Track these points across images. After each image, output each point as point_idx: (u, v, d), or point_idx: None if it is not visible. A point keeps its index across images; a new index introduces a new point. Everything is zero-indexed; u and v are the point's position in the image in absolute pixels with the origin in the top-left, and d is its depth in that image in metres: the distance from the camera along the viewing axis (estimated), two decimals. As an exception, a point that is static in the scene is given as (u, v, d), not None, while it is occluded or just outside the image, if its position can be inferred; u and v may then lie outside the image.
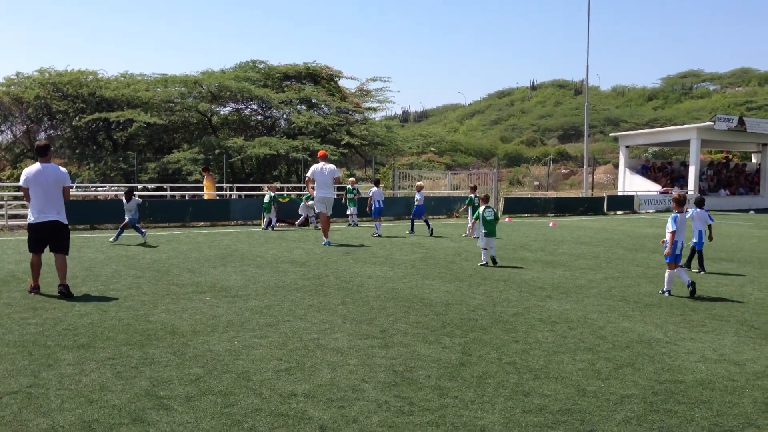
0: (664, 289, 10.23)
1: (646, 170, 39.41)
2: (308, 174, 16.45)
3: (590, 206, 31.05)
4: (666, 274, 10.27)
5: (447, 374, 6.03)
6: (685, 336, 7.55)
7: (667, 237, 10.18)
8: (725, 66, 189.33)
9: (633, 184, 37.06)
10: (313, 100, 34.91)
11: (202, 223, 22.09)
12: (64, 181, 9.43)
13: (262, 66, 36.16)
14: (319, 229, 17.26)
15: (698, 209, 12.94)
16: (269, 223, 20.49)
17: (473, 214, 16.58)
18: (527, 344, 7.11)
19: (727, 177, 40.16)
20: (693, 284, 9.98)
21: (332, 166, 16.63)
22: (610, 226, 23.69)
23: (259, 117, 36.35)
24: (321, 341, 7.08)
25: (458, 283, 10.95)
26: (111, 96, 30.30)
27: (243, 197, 26.68)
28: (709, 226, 12.88)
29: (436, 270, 12.34)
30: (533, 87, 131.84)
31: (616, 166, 43.48)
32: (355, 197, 22.38)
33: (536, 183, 50.48)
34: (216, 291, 9.85)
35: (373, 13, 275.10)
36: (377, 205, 19.51)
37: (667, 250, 10.12)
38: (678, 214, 10.16)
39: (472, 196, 17.96)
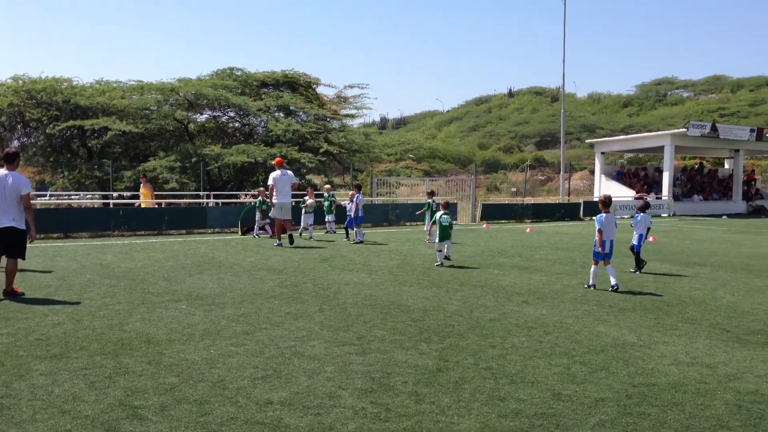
0: (589, 284, 11.11)
1: (621, 176, 39.81)
2: (270, 182, 17.33)
3: (567, 212, 31.31)
4: (591, 269, 11.20)
5: (424, 380, 6.04)
6: (658, 339, 7.64)
7: (596, 236, 11.11)
8: (698, 73, 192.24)
9: (609, 189, 37.35)
10: (291, 108, 34.83)
11: (178, 231, 21.93)
12: (21, 188, 9.67)
13: (239, 73, 36.00)
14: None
15: (642, 213, 13.65)
16: (260, 228, 20.37)
17: (431, 218, 16.94)
18: (504, 349, 7.15)
19: (701, 182, 40.69)
20: (616, 287, 10.78)
21: (290, 173, 17.67)
22: (586, 231, 23.88)
23: (237, 124, 36.19)
24: (298, 348, 7.06)
25: (435, 289, 10.98)
26: (86, 103, 29.98)
27: (220, 205, 26.52)
28: (648, 229, 13.68)
29: (413, 276, 12.36)
30: (510, 94, 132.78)
31: (593, 172, 43.89)
32: (333, 204, 22.26)
33: (513, 189, 50.78)
34: (192, 299, 9.78)
35: (351, 21, 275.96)
36: (360, 213, 19.33)
37: (598, 248, 11.07)
38: (604, 215, 11.11)
39: (430, 201, 18.94)
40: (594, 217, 11.28)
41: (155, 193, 25.63)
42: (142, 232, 21.35)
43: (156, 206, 24.23)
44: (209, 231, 22.32)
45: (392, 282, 11.68)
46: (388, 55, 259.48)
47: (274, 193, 17.06)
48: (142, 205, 24.03)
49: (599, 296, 10.45)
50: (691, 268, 13.97)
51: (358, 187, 20.15)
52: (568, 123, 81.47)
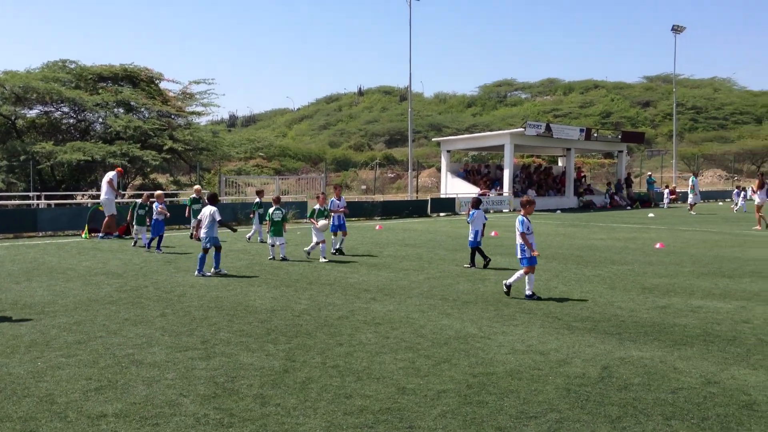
0: (528, 293, 10.17)
1: (466, 173, 41.39)
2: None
3: (415, 209, 32.11)
4: (526, 277, 10.23)
5: (270, 382, 5.94)
6: (497, 330, 7.99)
7: (521, 239, 10.16)
8: (535, 76, 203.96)
9: (454, 186, 38.73)
10: (132, 103, 33.20)
11: (4, 235, 20.24)
12: None
13: (73, 66, 33.80)
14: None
15: (476, 210, 13.82)
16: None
17: (265, 217, 16.54)
18: (351, 347, 7.19)
19: (538, 179, 43.16)
20: (509, 288, 10.37)
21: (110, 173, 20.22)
22: (433, 227, 24.61)
23: (72, 120, 33.98)
24: (136, 356, 6.72)
25: (284, 288, 10.87)
26: None
27: (53, 206, 24.77)
28: (484, 225, 13.91)
29: (261, 276, 12.17)
30: (360, 93, 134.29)
31: (440, 170, 45.31)
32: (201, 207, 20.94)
33: (364, 187, 51.45)
34: (18, 308, 9.05)
35: (196, 14, 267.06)
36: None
37: (533, 252, 10.09)
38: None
39: (259, 200, 18.64)
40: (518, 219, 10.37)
41: None
42: (-37, 237, 19.52)
43: None
44: (40, 234, 20.76)
45: (239, 283, 11.44)
46: (237, 52, 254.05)
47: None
48: None
49: (444, 291, 10.78)
50: (529, 260, 14.74)
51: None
52: (416, 122, 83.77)
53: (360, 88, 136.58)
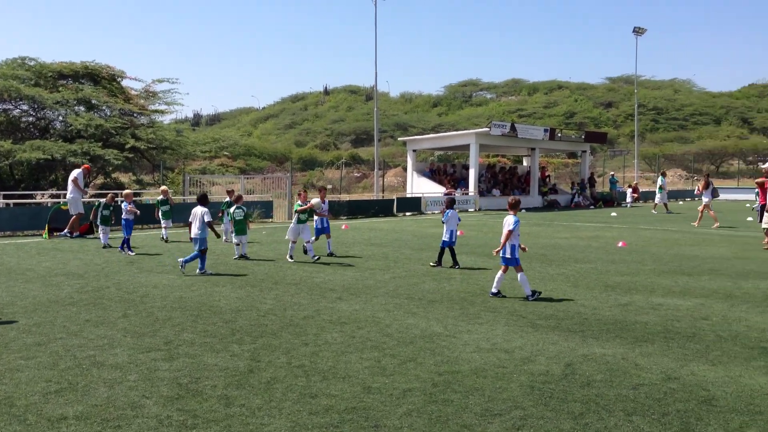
0: (532, 292, 10.02)
1: (432, 173, 41.54)
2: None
3: (381, 208, 32.12)
4: (519, 277, 10.07)
5: (234, 382, 5.89)
6: (463, 329, 8.03)
7: (503, 238, 10.01)
8: (499, 76, 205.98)
9: (420, 186, 38.83)
10: (93, 102, 32.58)
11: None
12: None
13: (32, 63, 33.09)
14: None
15: (451, 210, 13.67)
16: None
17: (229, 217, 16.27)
18: (317, 346, 7.16)
19: (503, 179, 43.51)
20: (498, 293, 10.20)
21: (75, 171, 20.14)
22: (399, 227, 24.65)
23: (31, 118, 33.26)
24: (98, 358, 6.62)
25: (249, 288, 10.79)
26: None
27: (11, 206, 24.22)
28: (457, 224, 13.82)
29: (226, 276, 12.06)
30: (326, 92, 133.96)
31: (406, 169, 45.39)
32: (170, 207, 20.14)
33: (329, 186, 51.33)
34: (-24, 310, 8.84)
35: (159, 12, 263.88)
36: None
37: (514, 253, 10.00)
38: (515, 217, 10.19)
39: (229, 200, 18.27)
40: (507, 218, 10.13)
41: None
42: None
43: None
44: None
45: (204, 283, 11.32)
46: (201, 50, 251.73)
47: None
48: None
49: (410, 290, 10.80)
50: (494, 259, 14.81)
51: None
52: (382, 121, 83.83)
53: (326, 87, 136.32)
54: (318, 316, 8.73)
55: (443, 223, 13.72)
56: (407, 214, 32.96)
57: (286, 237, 14.38)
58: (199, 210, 12.67)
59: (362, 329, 7.98)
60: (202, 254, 12.44)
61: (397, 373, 6.20)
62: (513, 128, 38.72)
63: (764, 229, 17.15)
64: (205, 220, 12.52)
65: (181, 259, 12.42)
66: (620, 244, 17.77)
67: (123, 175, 35.94)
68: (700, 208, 25.22)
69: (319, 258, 14.23)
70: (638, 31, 55.24)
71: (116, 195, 18.95)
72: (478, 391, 5.70)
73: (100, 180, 34.02)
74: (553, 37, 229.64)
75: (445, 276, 12.34)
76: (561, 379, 6.06)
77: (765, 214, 17.29)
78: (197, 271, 12.40)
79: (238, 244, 14.60)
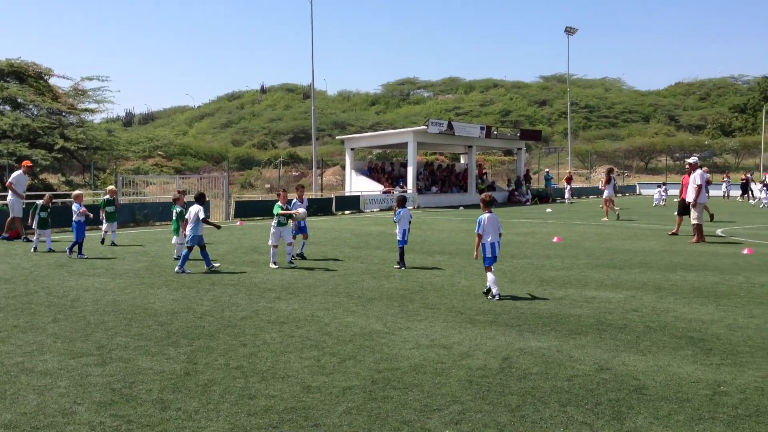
0: (494, 293, 9.84)
1: (370, 171, 41.61)
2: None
3: (320, 207, 31.98)
4: (488, 277, 10.00)
5: (170, 386, 5.78)
6: (402, 326, 8.07)
7: (477, 240, 9.89)
8: (436, 75, 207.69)
9: (359, 184, 38.85)
10: (19, 100, 31.47)
11: None
12: None
13: (-46, 60, 31.83)
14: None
15: (403, 208, 13.44)
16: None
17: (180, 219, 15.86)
18: (255, 347, 7.09)
19: (441, 176, 43.94)
20: (488, 292, 9.97)
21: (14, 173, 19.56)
22: (338, 225, 24.61)
23: (-47, 118, 31.94)
24: (27, 364, 6.39)
25: (185, 290, 10.59)
26: None
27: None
28: (409, 223, 13.56)
29: (161, 278, 11.82)
30: (263, 90, 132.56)
31: (344, 168, 45.35)
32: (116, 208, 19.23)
33: (268, 186, 50.85)
34: None
35: (86, 7, 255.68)
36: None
37: (477, 252, 9.88)
38: (486, 215, 9.92)
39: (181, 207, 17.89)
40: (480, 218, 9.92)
41: None
42: None
43: None
44: None
45: (138, 285, 11.06)
46: (133, 46, 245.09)
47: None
48: None
49: (349, 288, 10.79)
50: (432, 256, 14.97)
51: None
52: (320, 120, 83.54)
53: (263, 86, 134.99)
54: (256, 316, 8.64)
55: (395, 222, 13.39)
56: (346, 212, 32.95)
57: (269, 243, 13.55)
58: (193, 208, 12.81)
59: (301, 328, 7.94)
60: (202, 250, 12.75)
61: (337, 372, 6.19)
62: (450, 126, 39.12)
63: (693, 225, 17.77)
64: (200, 217, 12.68)
65: (177, 268, 12.60)
66: (555, 239, 18.17)
67: (52, 176, 34.82)
68: (605, 203, 26.62)
69: (294, 264, 13.51)
70: (570, 30, 56.58)
71: (54, 196, 18.26)
72: (417, 387, 5.74)
73: (28, 181, 32.87)
74: (488, 36, 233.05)
75: (384, 273, 12.37)
76: (498, 372, 6.15)
77: (692, 210, 17.90)
78: (206, 268, 12.67)
79: (180, 244, 14.28)
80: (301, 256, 14.70)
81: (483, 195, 10.30)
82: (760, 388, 5.73)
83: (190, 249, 12.77)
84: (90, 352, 6.85)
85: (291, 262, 13.45)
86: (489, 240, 9.85)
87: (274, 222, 13.64)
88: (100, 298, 9.92)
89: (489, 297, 9.90)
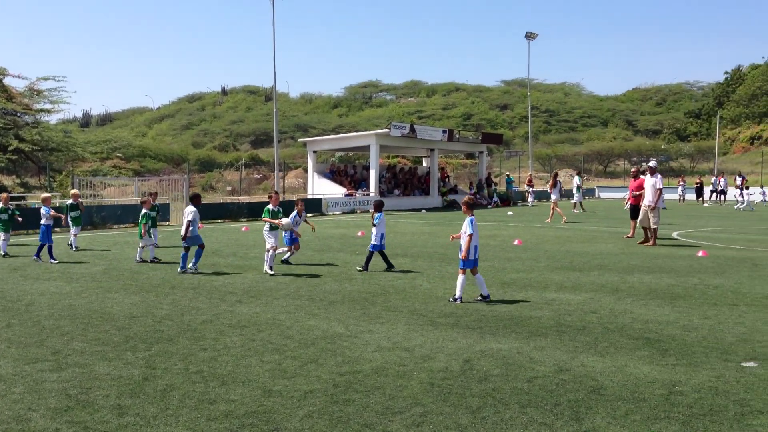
0: (456, 296, 9.85)
1: (333, 174, 41.52)
2: None
3: (282, 210, 31.88)
4: (459, 280, 9.98)
5: (128, 391, 5.68)
6: (364, 329, 8.07)
7: (465, 241, 9.86)
8: (399, 78, 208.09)
9: (321, 187, 38.72)
10: (-27, 100, 30.82)
11: None
12: None
13: None
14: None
15: (381, 213, 13.39)
16: None
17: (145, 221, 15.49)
18: (216, 351, 7.02)
19: (403, 179, 44.07)
20: (487, 297, 9.89)
21: None
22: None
23: None
24: (-22, 372, 6.22)
25: (144, 294, 10.44)
26: None
27: None
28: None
29: (119, 282, 11.62)
30: (224, 92, 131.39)
31: (306, 171, 45.16)
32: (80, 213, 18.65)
33: (229, 188, 50.37)
34: None
35: (44, 4, 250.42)
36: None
37: (464, 255, 9.81)
38: (473, 218, 9.97)
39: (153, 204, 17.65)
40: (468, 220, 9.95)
41: None
42: None
43: None
44: None
45: (96, 289, 10.87)
46: (90, 46, 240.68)
47: None
48: None
49: (311, 291, 10.75)
50: (395, 259, 14.95)
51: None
52: (282, 122, 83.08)
53: (224, 88, 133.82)
54: (217, 320, 8.56)
55: (374, 225, 13.22)
56: (308, 215, 32.80)
57: (267, 247, 12.98)
58: (187, 209, 13.02)
59: (263, 332, 7.88)
60: (199, 248, 12.94)
61: (298, 375, 6.16)
62: (412, 129, 39.25)
63: (653, 228, 18.08)
64: (186, 219, 12.80)
65: (190, 264, 12.79)
66: (516, 242, 18.36)
67: (6, 177, 34.05)
68: (554, 206, 27.51)
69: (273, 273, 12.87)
70: (530, 36, 57.21)
71: (11, 198, 17.78)
72: (379, 390, 5.74)
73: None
74: (450, 40, 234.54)
75: (346, 276, 12.36)
76: (459, 375, 6.19)
77: (650, 215, 18.16)
78: (190, 265, 12.76)
79: (142, 247, 14.61)
80: (286, 261, 14.38)
81: (466, 198, 10.35)
82: (714, 387, 5.87)
83: (187, 249, 12.98)
84: (45, 358, 6.71)
85: (270, 268, 12.85)
86: (474, 243, 9.88)
87: (265, 227, 13.34)
88: (56, 302, 9.71)
89: (450, 300, 9.93)
